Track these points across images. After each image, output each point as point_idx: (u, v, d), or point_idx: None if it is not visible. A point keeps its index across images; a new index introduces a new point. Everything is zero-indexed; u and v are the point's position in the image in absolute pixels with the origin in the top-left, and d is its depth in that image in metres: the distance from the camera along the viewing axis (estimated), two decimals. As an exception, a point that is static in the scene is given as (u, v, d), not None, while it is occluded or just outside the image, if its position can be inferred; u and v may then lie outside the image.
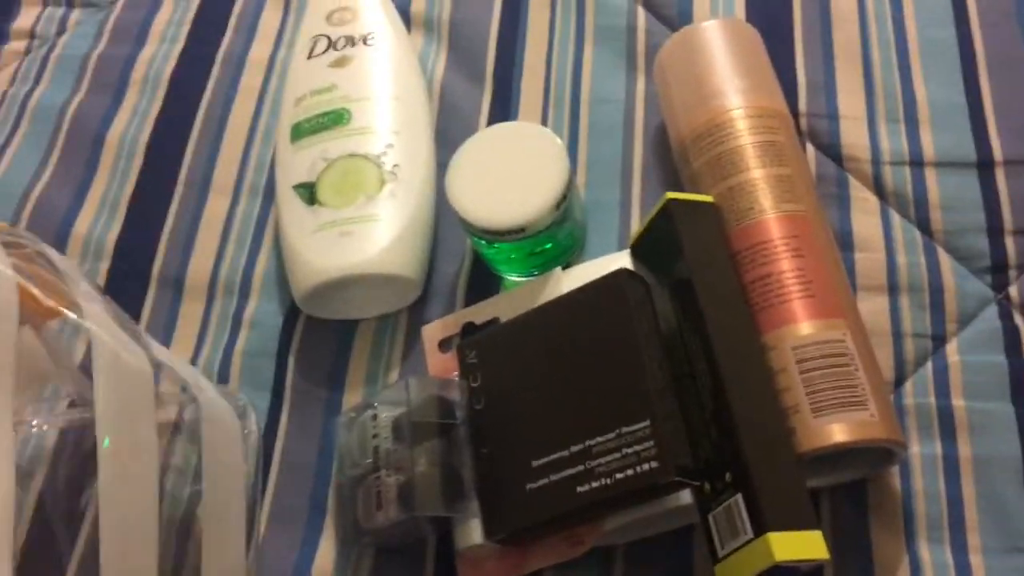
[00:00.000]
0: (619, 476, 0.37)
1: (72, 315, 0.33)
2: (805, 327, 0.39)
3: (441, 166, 0.50)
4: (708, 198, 0.43)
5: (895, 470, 0.41)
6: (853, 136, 0.49)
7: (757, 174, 0.42)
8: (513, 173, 0.45)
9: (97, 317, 0.33)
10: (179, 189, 0.54)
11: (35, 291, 0.33)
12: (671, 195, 0.42)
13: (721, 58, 0.46)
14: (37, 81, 0.60)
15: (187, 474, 0.44)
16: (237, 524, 0.39)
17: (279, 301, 0.50)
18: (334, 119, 0.50)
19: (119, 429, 0.31)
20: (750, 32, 0.48)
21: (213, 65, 0.58)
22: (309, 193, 0.49)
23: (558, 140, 0.45)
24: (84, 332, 0.36)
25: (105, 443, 0.30)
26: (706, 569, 0.41)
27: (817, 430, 0.37)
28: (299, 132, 0.51)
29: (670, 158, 0.49)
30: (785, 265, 0.40)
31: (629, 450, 0.37)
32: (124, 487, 0.31)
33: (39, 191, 0.56)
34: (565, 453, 0.38)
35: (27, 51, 0.62)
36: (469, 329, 0.47)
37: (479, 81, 0.55)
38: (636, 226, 0.49)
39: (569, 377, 0.40)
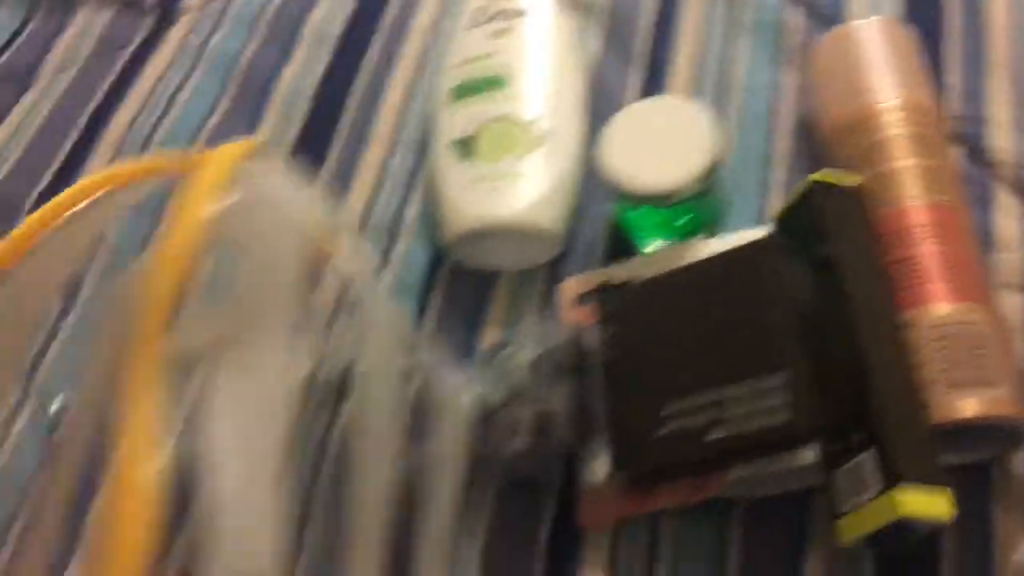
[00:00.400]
0: (751, 426, 0.39)
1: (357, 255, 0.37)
2: (943, 307, 0.40)
3: (591, 137, 0.53)
4: (856, 180, 0.44)
5: (1022, 456, 0.42)
6: (999, 140, 0.50)
7: (905, 163, 0.44)
8: (664, 142, 0.48)
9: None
10: (340, 137, 0.58)
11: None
12: (820, 173, 0.43)
13: (876, 54, 0.48)
14: (213, 31, 0.65)
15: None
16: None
17: (426, 245, 0.53)
18: (493, 83, 0.53)
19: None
20: (905, 33, 0.50)
21: (379, 28, 0.62)
22: (465, 149, 0.52)
23: (711, 115, 0.48)
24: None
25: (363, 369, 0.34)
26: (821, 535, 0.42)
27: (949, 404, 0.38)
28: (459, 93, 0.54)
29: (813, 149, 0.51)
30: (927, 249, 0.42)
31: (763, 402, 0.39)
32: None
33: (208, 132, 0.60)
34: (698, 401, 0.40)
35: (204, 4, 0.67)
36: (606, 287, 0.49)
37: (631, 63, 0.58)
38: (774, 210, 0.51)
39: (706, 331, 0.42)
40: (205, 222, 0.29)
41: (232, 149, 0.33)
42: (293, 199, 0.35)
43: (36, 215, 0.34)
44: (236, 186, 0.31)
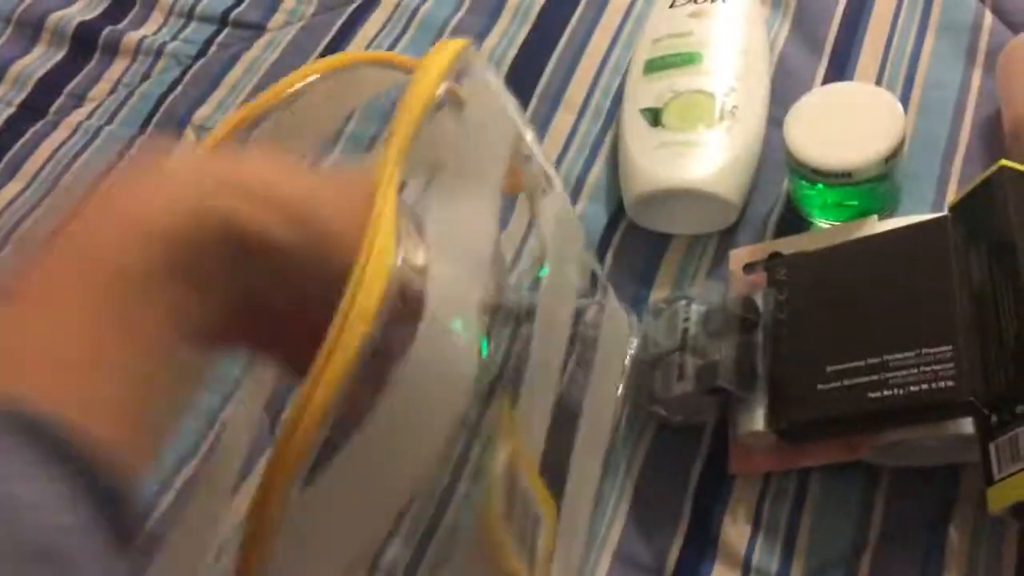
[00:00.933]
0: (913, 389, 0.41)
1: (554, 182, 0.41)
2: (1119, 297, 0.41)
3: (773, 119, 0.55)
4: (1039, 172, 0.45)
5: None
6: None
7: (1090, 160, 0.45)
8: (849, 124, 0.50)
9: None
10: (534, 102, 0.63)
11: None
12: (1005, 162, 0.45)
13: (1071, 55, 0.49)
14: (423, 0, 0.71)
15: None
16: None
17: (605, 206, 0.57)
18: (687, 59, 0.57)
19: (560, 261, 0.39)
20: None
21: (578, 5, 0.66)
22: (654, 116, 0.55)
23: (896, 102, 0.50)
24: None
25: (544, 271, 0.38)
26: (966, 509, 0.44)
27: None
28: (653, 66, 0.57)
29: (996, 145, 0.52)
30: (1108, 242, 0.42)
31: (927, 368, 0.41)
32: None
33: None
34: (861, 363, 0.43)
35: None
36: (775, 257, 0.52)
37: (818, 52, 0.60)
38: (949, 200, 0.52)
39: (875, 299, 0.44)
40: (437, 90, 0.34)
41: (454, 43, 0.37)
42: (503, 91, 0.40)
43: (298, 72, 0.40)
44: (461, 67, 0.36)
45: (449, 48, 0.37)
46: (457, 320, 0.30)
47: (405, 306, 0.29)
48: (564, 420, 0.44)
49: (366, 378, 0.28)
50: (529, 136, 0.41)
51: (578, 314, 0.48)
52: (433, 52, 0.37)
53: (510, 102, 0.39)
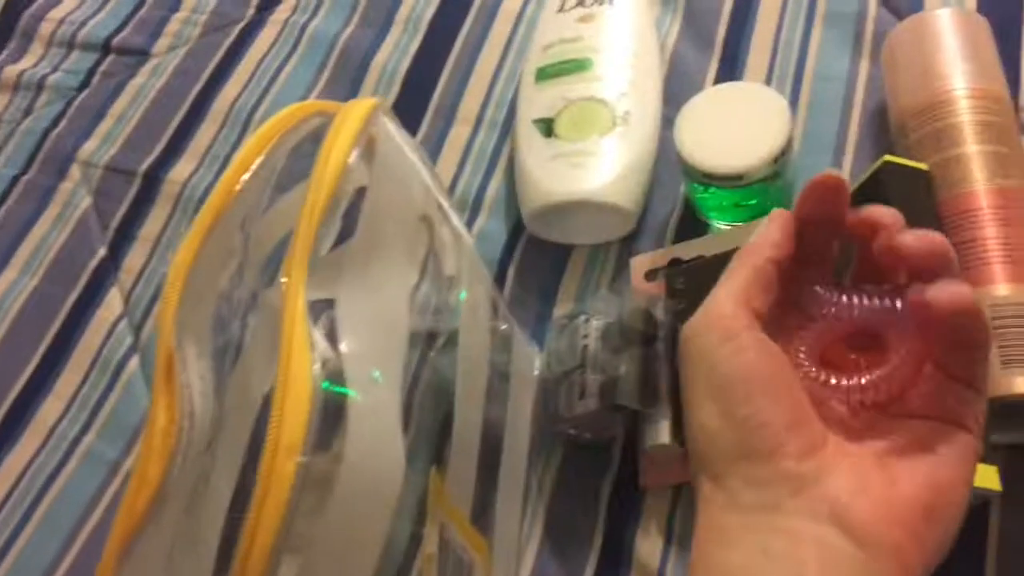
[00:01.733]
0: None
1: (453, 219, 0.40)
2: (1003, 288, 0.41)
3: (666, 121, 0.55)
4: (923, 165, 0.46)
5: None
6: (1072, 132, 0.51)
7: (973, 149, 0.45)
8: (738, 125, 0.50)
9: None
10: (428, 116, 0.62)
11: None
12: (889, 157, 0.45)
13: (949, 42, 0.49)
14: (315, 13, 0.69)
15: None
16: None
17: (505, 220, 0.56)
18: (577, 66, 0.56)
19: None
20: (980, 22, 0.51)
21: (469, 12, 0.65)
22: (547, 127, 0.54)
23: (783, 101, 0.49)
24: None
25: (462, 295, 0.37)
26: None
27: (1002, 380, 0.40)
28: (544, 74, 0.57)
29: (885, 137, 0.53)
30: (990, 232, 0.43)
31: (820, 372, 0.41)
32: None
33: (307, 106, 0.64)
34: (758, 370, 0.42)
35: (307, -12, 0.71)
36: (675, 263, 0.51)
37: (708, 49, 0.60)
38: (843, 194, 0.52)
39: (770, 306, 0.44)
40: (347, 161, 0.33)
41: (366, 103, 0.36)
42: (411, 154, 0.39)
43: (252, 142, 0.38)
44: (370, 131, 0.35)
45: (359, 113, 0.36)
46: (379, 425, 0.30)
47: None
48: (487, 456, 0.43)
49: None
50: (437, 191, 0.40)
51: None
52: (342, 117, 0.36)
53: (419, 159, 0.38)
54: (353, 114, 0.35)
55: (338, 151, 0.34)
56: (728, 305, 0.33)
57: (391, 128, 0.37)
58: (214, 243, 0.37)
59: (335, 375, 0.29)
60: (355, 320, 0.32)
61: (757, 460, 0.30)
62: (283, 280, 0.31)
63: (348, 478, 0.28)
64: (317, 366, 0.28)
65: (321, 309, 0.38)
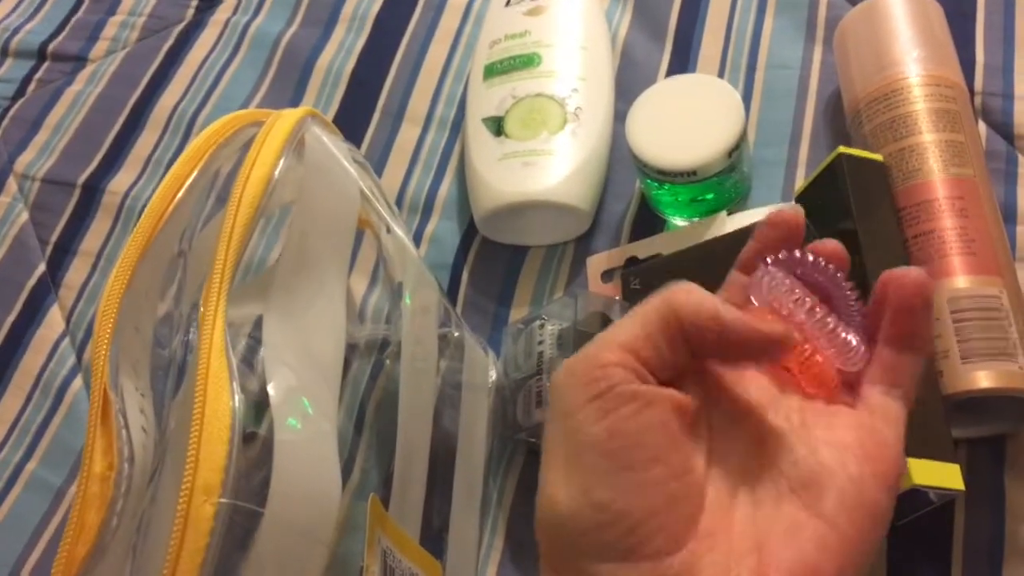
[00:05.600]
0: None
1: (395, 228, 0.39)
2: (962, 280, 0.41)
3: (619, 114, 0.54)
4: (878, 156, 0.45)
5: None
6: (1026, 115, 0.50)
7: (929, 138, 0.44)
8: (690, 120, 0.48)
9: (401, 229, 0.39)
10: (376, 116, 0.60)
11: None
12: (843, 149, 0.44)
13: (903, 28, 0.48)
14: (257, 12, 0.67)
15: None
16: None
17: (458, 222, 0.55)
18: (525, 61, 0.54)
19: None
20: (934, 7, 0.50)
21: (415, 8, 0.63)
22: (497, 126, 0.53)
23: (735, 93, 0.48)
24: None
25: (407, 299, 0.36)
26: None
27: (963, 375, 0.39)
28: (492, 71, 0.55)
29: (840, 125, 0.52)
30: (948, 223, 0.42)
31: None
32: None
33: (253, 107, 0.62)
34: (717, 373, 0.41)
35: (248, -14, 0.69)
36: (632, 262, 0.50)
37: (660, 40, 0.58)
38: (801, 184, 0.51)
39: (728, 306, 0.43)
40: (269, 181, 0.31)
41: (295, 114, 0.35)
42: (347, 163, 0.37)
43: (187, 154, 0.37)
44: (299, 145, 0.34)
45: (284, 125, 0.34)
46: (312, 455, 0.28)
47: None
48: (439, 470, 0.42)
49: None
50: (377, 200, 0.39)
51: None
52: (268, 130, 0.34)
53: (356, 168, 0.37)
54: (278, 128, 0.34)
55: (260, 168, 0.32)
56: (607, 352, 0.27)
57: (323, 138, 0.36)
58: (147, 268, 0.36)
59: (260, 408, 0.28)
60: (281, 346, 0.30)
61: (610, 558, 0.25)
62: (200, 310, 0.29)
63: (275, 514, 0.26)
64: (237, 400, 0.26)
65: (247, 330, 0.36)
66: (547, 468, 0.27)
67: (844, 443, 0.28)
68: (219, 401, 0.26)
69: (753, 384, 0.30)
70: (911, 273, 0.29)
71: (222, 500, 0.25)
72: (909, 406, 0.29)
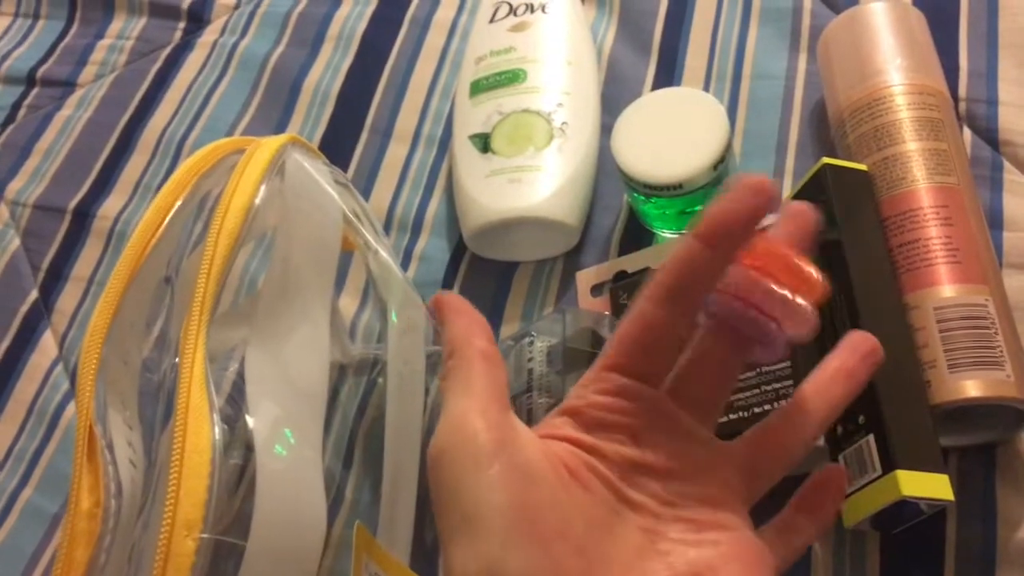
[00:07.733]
0: (757, 411, 0.40)
1: (379, 249, 0.39)
2: (948, 290, 0.41)
3: (605, 128, 0.54)
4: (862, 166, 0.45)
5: (1025, 438, 0.42)
6: (1011, 122, 0.50)
7: (913, 146, 0.44)
8: (675, 133, 0.49)
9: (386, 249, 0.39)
10: (364, 135, 0.60)
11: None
12: (827, 160, 0.44)
13: (886, 36, 0.48)
14: (244, 33, 0.67)
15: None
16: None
17: (447, 239, 0.55)
18: (511, 77, 0.55)
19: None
20: (916, 15, 0.50)
21: (401, 26, 0.64)
22: (483, 143, 0.53)
23: (720, 106, 0.49)
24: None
25: (393, 317, 0.36)
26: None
27: (952, 385, 0.39)
28: (478, 88, 0.55)
29: (826, 134, 0.52)
30: (933, 232, 0.42)
31: (768, 387, 0.40)
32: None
33: (241, 129, 0.63)
34: (706, 387, 0.41)
35: (236, 6, 0.69)
36: (621, 276, 0.50)
37: (645, 53, 0.58)
38: (787, 196, 0.52)
39: (715, 319, 0.43)
40: (251, 206, 0.32)
41: (275, 141, 0.35)
42: (329, 187, 0.37)
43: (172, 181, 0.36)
44: (280, 171, 0.34)
45: (265, 152, 0.34)
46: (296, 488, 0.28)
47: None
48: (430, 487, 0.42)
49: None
50: (362, 223, 0.39)
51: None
52: (248, 157, 0.34)
53: (339, 191, 0.37)
54: (258, 157, 0.34)
55: (239, 198, 0.32)
56: (476, 418, 0.26)
57: (304, 163, 0.36)
58: (134, 299, 0.36)
59: (241, 440, 0.28)
60: (264, 374, 0.30)
61: None
62: (180, 342, 0.30)
63: (260, 546, 0.27)
64: (218, 431, 0.27)
65: (240, 353, 0.36)
66: (444, 537, 0.26)
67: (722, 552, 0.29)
68: (199, 435, 0.26)
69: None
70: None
71: (203, 536, 0.25)
72: (788, 560, 0.31)
